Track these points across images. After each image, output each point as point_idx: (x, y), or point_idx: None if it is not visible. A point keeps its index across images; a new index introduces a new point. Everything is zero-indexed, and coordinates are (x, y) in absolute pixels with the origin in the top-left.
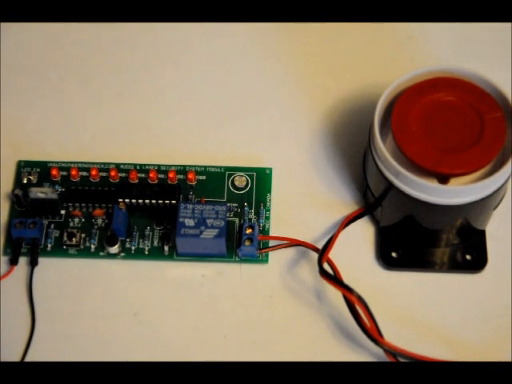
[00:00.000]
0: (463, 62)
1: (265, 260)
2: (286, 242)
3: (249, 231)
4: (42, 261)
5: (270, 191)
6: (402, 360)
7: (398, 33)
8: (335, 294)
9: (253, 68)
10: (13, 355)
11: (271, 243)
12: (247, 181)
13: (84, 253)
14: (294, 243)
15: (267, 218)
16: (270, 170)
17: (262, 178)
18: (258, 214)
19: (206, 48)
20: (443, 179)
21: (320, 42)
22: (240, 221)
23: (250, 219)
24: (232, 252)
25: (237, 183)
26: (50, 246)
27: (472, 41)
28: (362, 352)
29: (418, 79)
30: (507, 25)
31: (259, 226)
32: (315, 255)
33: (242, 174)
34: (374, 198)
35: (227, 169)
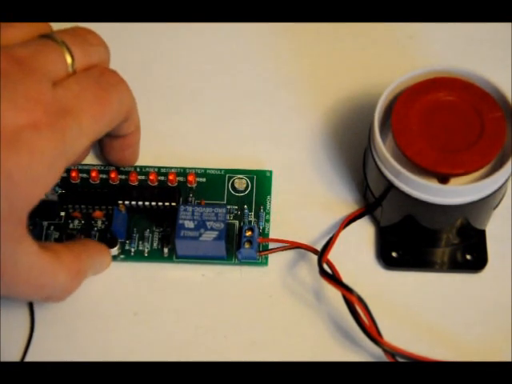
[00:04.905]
0: (463, 62)
1: (264, 262)
2: (285, 244)
3: (248, 233)
4: None
5: (270, 194)
6: (400, 360)
7: (398, 33)
8: (335, 295)
9: (253, 68)
10: (12, 355)
11: (271, 245)
12: (247, 183)
13: None
14: (293, 246)
15: (267, 221)
16: (271, 172)
17: (262, 181)
18: (257, 216)
19: (206, 48)
20: (443, 179)
21: (320, 41)
22: (240, 223)
23: (249, 222)
24: (232, 254)
25: (237, 186)
26: None
27: (472, 41)
28: (361, 352)
29: (417, 79)
30: (507, 25)
31: (259, 228)
32: (315, 257)
33: (242, 176)
34: (374, 197)
35: (227, 171)
